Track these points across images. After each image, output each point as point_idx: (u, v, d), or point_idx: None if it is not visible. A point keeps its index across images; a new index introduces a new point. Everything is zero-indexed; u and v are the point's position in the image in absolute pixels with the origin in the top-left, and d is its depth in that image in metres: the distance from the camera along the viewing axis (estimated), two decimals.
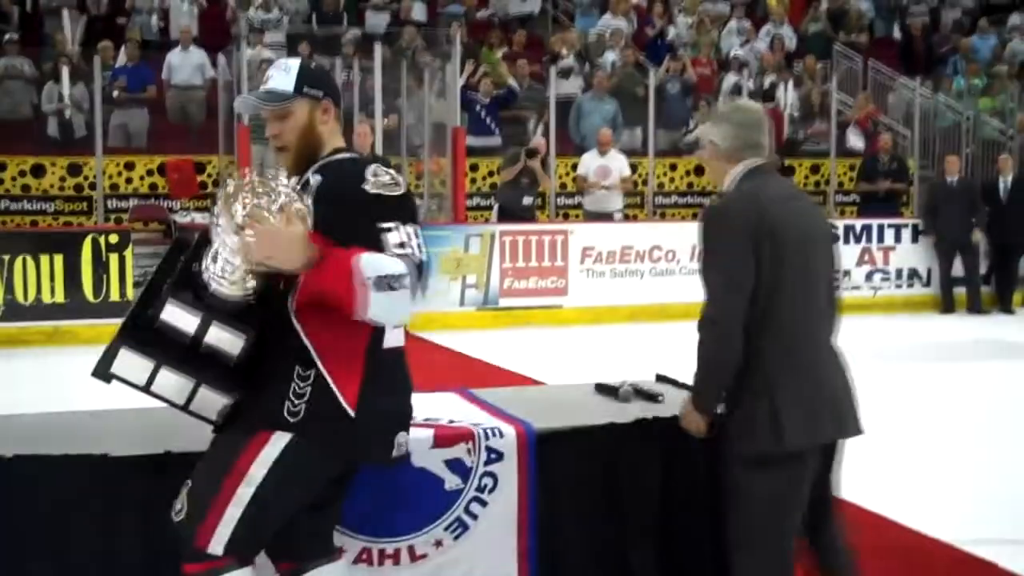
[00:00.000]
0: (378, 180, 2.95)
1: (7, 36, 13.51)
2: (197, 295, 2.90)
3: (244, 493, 2.90)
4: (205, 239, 2.97)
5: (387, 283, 2.79)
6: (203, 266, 2.89)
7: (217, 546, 2.89)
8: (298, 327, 2.92)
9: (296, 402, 2.93)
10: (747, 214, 3.22)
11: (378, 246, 2.86)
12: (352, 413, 2.94)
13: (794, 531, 3.33)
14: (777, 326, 3.21)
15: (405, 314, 2.90)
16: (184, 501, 2.95)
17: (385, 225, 2.90)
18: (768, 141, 3.42)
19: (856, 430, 3.39)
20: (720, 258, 3.28)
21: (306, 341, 2.92)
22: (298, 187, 2.97)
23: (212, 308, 2.89)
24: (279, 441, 2.93)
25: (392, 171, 3.01)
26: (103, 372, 2.93)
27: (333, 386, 2.94)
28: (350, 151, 3.16)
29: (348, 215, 2.90)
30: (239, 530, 2.90)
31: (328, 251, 2.81)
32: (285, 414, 2.92)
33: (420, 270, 2.88)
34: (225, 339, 2.91)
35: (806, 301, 3.25)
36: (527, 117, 14.26)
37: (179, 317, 2.90)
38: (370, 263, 2.80)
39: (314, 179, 3.01)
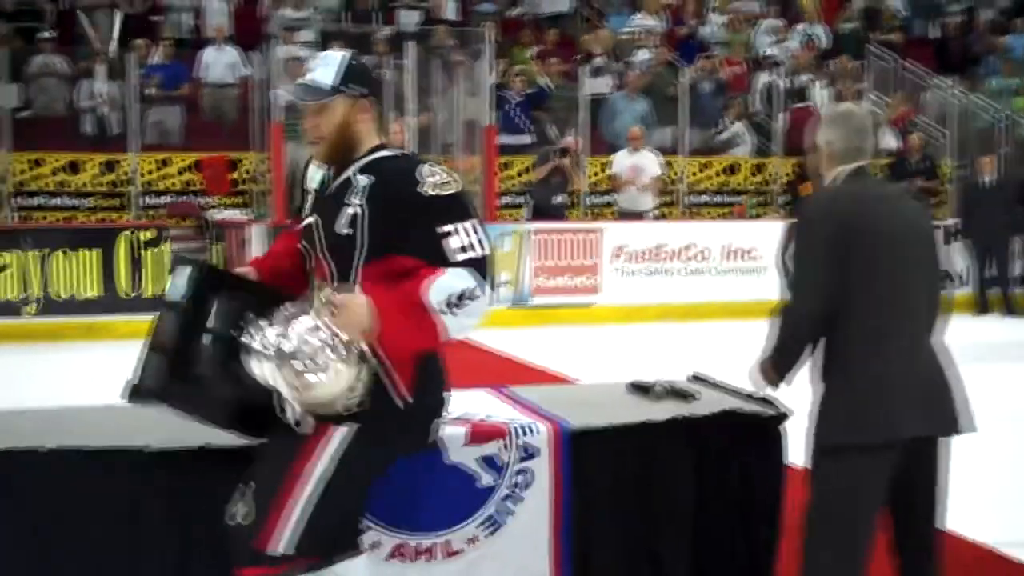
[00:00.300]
0: (432, 181, 2.96)
1: (42, 34, 13.62)
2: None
3: (309, 491, 2.89)
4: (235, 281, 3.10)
5: (459, 301, 2.85)
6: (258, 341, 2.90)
7: (287, 547, 2.85)
8: None
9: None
10: (836, 212, 3.37)
11: (438, 251, 2.87)
12: (403, 405, 2.96)
13: (869, 527, 3.31)
14: (861, 320, 3.30)
15: (480, 319, 2.98)
16: (245, 504, 2.92)
17: (444, 229, 2.91)
18: (870, 145, 3.56)
19: (952, 429, 3.36)
20: (804, 251, 3.42)
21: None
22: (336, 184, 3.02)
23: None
24: (338, 436, 2.94)
25: (443, 169, 3.02)
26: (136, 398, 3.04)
27: (388, 380, 2.97)
28: (391, 148, 3.16)
29: (404, 219, 2.92)
30: (308, 529, 2.87)
31: (390, 298, 2.84)
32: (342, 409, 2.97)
33: (485, 266, 2.91)
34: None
35: (895, 298, 3.32)
36: (558, 117, 14.23)
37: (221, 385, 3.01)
38: (438, 289, 2.83)
39: (363, 179, 3.01)
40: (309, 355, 2.80)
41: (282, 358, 2.82)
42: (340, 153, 3.07)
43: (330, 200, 3.06)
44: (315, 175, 3.23)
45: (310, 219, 3.11)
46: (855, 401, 3.28)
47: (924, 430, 3.34)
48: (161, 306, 3.08)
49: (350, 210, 2.99)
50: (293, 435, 2.97)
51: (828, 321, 3.32)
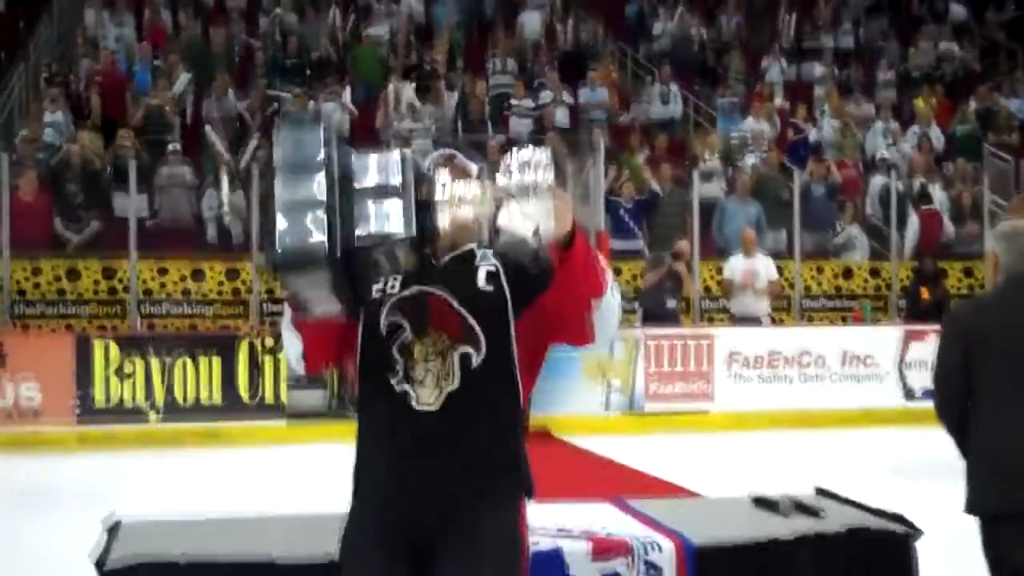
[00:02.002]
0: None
1: (170, 146, 14.14)
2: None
3: None
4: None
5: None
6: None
7: None
8: (519, 378, 3.00)
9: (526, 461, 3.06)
10: (967, 315, 4.15)
11: None
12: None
13: None
14: (985, 404, 3.87)
15: (617, 324, 3.01)
16: None
17: None
18: None
19: None
20: (939, 348, 4.10)
21: (521, 389, 3.02)
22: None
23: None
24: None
25: None
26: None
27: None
28: None
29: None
30: None
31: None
32: (524, 473, 3.04)
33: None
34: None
35: (1016, 388, 3.84)
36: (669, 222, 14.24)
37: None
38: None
39: (485, 250, 3.06)
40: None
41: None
42: (459, 243, 3.06)
43: (448, 272, 3.06)
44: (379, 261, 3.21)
45: (409, 291, 3.05)
46: (972, 475, 3.86)
47: None
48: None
49: (483, 271, 3.02)
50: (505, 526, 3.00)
51: (962, 407, 3.92)
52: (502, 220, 2.75)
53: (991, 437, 3.83)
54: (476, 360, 2.97)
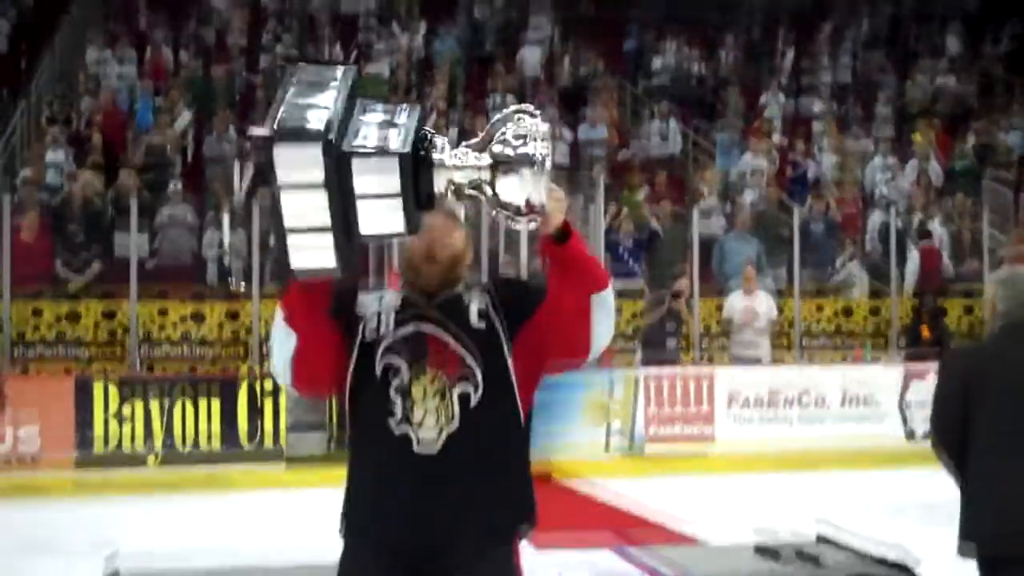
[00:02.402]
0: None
1: (171, 184, 14.16)
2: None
3: None
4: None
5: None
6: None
7: None
8: (520, 407, 3.04)
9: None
10: (965, 358, 4.33)
11: None
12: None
13: None
14: (982, 448, 3.96)
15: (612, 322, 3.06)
16: None
17: None
18: None
19: None
20: (937, 389, 4.21)
21: (522, 417, 3.06)
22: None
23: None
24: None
25: None
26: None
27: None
28: None
29: (524, 287, 3.20)
30: None
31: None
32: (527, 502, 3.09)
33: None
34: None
35: (1014, 432, 3.94)
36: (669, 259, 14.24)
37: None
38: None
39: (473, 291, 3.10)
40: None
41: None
42: (450, 281, 3.10)
43: (441, 312, 3.07)
44: (369, 302, 3.16)
45: (404, 331, 3.07)
46: (967, 518, 3.94)
47: None
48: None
49: (474, 308, 3.05)
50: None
51: (960, 449, 4.00)
52: (496, 189, 2.80)
53: (988, 481, 3.93)
54: (475, 399, 2.98)
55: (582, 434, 11.03)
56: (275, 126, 2.69)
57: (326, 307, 3.07)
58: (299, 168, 2.69)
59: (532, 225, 2.88)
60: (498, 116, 2.87)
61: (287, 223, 2.74)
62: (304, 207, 2.72)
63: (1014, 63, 22.58)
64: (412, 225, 2.81)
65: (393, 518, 2.99)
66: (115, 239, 13.37)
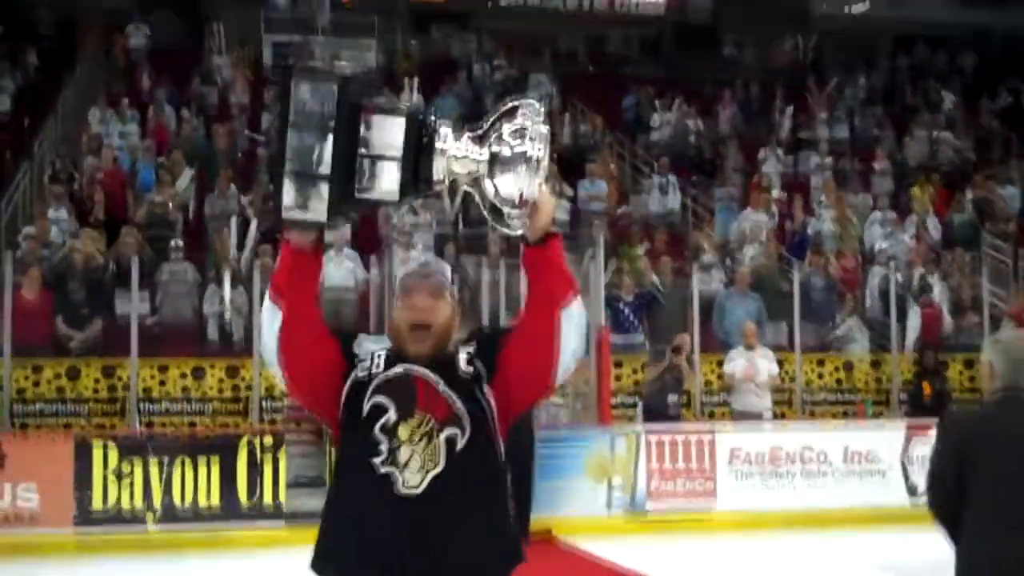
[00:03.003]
0: None
1: (172, 243, 14.20)
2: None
3: None
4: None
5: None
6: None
7: None
8: (501, 450, 3.11)
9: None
10: (963, 422, 4.37)
11: None
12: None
13: None
14: (979, 517, 4.04)
15: (584, 337, 3.14)
16: None
17: None
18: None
19: None
20: (933, 452, 4.28)
21: (503, 459, 3.13)
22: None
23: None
24: None
25: None
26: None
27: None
28: None
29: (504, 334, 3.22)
30: None
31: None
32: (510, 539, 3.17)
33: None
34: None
35: (1008, 496, 4.03)
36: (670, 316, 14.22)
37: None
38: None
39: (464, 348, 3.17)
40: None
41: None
42: (442, 347, 3.15)
43: (435, 367, 3.13)
44: (369, 344, 3.23)
45: (394, 372, 3.11)
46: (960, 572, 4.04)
47: None
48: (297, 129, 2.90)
49: (463, 355, 3.14)
50: None
51: (953, 514, 4.09)
52: (491, 186, 2.89)
53: (983, 547, 4.02)
54: (461, 442, 3.03)
55: (583, 491, 10.97)
56: (298, 63, 2.85)
57: (314, 294, 3.18)
58: (313, 106, 2.80)
59: (521, 229, 2.95)
60: (501, 109, 2.93)
61: (288, 165, 2.83)
62: (308, 150, 2.81)
63: (1011, 119, 22.76)
64: (404, 195, 2.91)
65: (372, 556, 3.00)
66: (116, 298, 13.39)
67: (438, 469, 3.01)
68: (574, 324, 3.08)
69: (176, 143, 17.51)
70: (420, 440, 3.02)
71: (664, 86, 22.28)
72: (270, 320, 3.12)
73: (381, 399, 3.07)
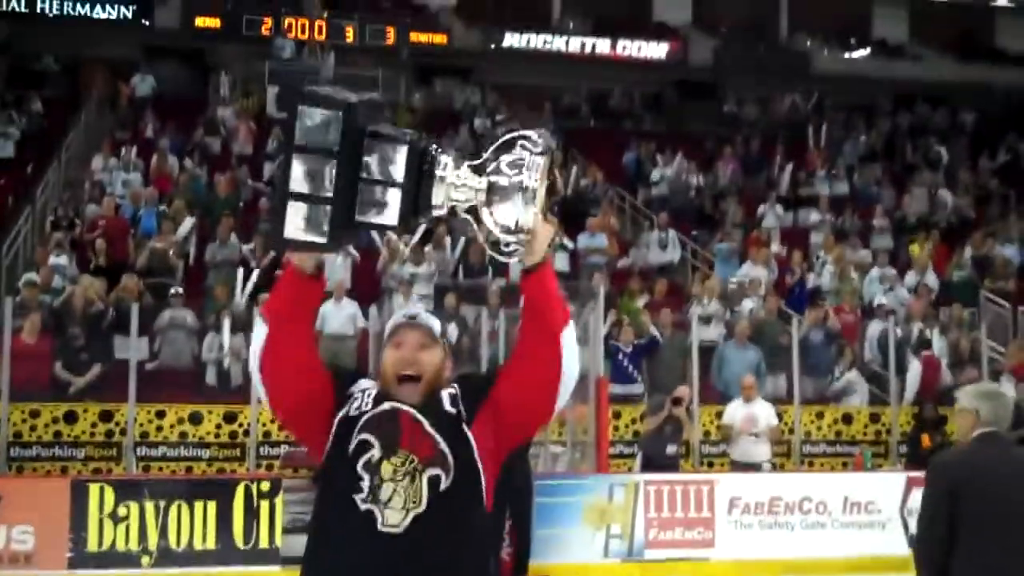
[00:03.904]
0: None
1: (172, 289, 14.24)
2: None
3: None
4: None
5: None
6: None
7: None
8: (484, 491, 3.08)
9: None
10: (952, 467, 4.56)
11: None
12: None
13: None
14: (967, 551, 4.29)
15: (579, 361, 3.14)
16: None
17: None
18: (1008, 423, 4.66)
19: None
20: (924, 502, 4.50)
21: (486, 499, 3.10)
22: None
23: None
24: None
25: None
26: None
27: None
28: None
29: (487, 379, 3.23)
30: None
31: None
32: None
33: None
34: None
35: (997, 536, 4.30)
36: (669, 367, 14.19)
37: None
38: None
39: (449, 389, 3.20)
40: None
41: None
42: (433, 394, 3.16)
43: (422, 407, 3.14)
44: (363, 384, 3.25)
45: (381, 408, 3.12)
46: None
47: None
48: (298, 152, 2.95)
49: (446, 395, 3.15)
50: None
51: (944, 551, 4.31)
52: (488, 214, 2.94)
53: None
54: (445, 482, 3.02)
55: (581, 539, 10.91)
56: (305, 88, 2.89)
57: (308, 319, 3.19)
58: (317, 131, 2.86)
59: (518, 256, 2.99)
60: (500, 140, 2.98)
61: (292, 187, 2.87)
62: (312, 173, 2.87)
63: (1010, 176, 22.91)
64: (404, 221, 2.95)
65: None
66: (115, 342, 13.41)
67: (420, 509, 3.00)
68: (572, 348, 3.11)
69: (178, 191, 17.60)
70: (403, 478, 3.02)
71: (665, 140, 22.45)
72: (257, 334, 3.14)
73: (366, 436, 3.07)
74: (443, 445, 3.05)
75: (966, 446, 4.61)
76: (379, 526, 2.98)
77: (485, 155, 3.01)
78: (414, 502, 2.99)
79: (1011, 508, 4.38)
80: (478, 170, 2.97)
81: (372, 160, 2.91)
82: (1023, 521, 4.39)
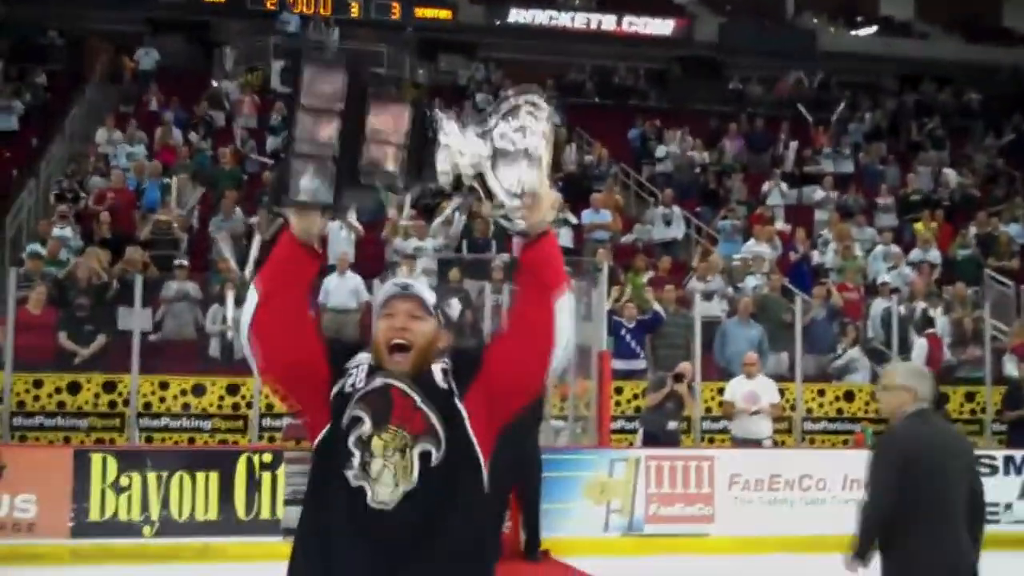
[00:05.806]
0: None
1: (177, 261, 14.26)
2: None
3: None
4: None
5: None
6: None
7: None
8: (481, 462, 3.06)
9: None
10: (900, 441, 4.99)
11: None
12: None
13: None
14: (912, 518, 4.76)
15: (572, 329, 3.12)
16: None
17: None
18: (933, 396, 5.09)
19: None
20: (877, 473, 4.92)
21: (484, 472, 3.09)
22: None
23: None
24: None
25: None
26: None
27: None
28: None
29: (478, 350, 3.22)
30: None
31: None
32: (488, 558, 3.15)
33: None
34: None
35: (938, 504, 4.77)
36: (672, 343, 14.18)
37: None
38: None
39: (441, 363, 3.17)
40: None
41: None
42: (422, 367, 3.12)
43: (414, 381, 3.11)
44: (359, 359, 3.21)
45: (373, 384, 3.09)
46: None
47: None
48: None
49: (438, 369, 3.13)
50: None
51: (891, 518, 4.82)
52: (493, 179, 2.94)
53: (917, 555, 4.78)
54: (436, 457, 2.99)
55: (581, 513, 10.95)
56: (309, 50, 2.93)
57: (303, 287, 3.15)
58: (322, 91, 2.89)
59: (521, 223, 2.98)
60: (506, 105, 2.99)
61: (297, 147, 2.89)
62: (317, 132, 2.89)
63: (1015, 155, 22.85)
64: (407, 182, 2.98)
65: (342, 570, 2.97)
66: (119, 313, 13.42)
67: (411, 486, 2.97)
68: (568, 314, 3.08)
69: (181, 164, 17.60)
70: (393, 454, 2.99)
71: (670, 117, 22.41)
72: (249, 301, 3.10)
73: (358, 411, 3.05)
74: (434, 419, 3.02)
75: (908, 421, 4.94)
76: (369, 502, 2.96)
77: (490, 121, 3.01)
78: (404, 477, 2.97)
79: (948, 479, 4.85)
80: (482, 136, 2.98)
81: (375, 120, 2.93)
82: (958, 490, 4.86)
